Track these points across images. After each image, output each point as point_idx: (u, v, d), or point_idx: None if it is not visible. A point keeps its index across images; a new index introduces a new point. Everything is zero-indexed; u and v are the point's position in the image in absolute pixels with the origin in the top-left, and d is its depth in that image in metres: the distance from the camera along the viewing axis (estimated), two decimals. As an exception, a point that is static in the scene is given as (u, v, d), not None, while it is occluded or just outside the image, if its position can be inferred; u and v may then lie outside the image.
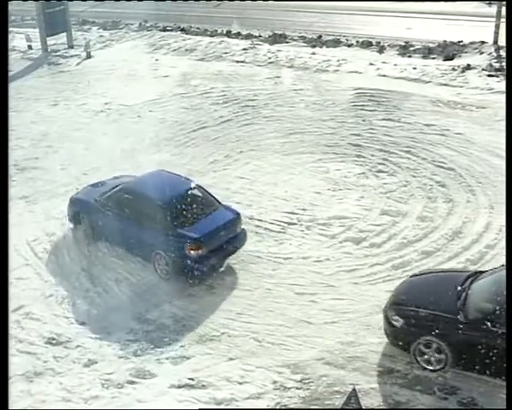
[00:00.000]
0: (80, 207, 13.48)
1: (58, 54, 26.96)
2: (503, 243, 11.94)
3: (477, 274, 10.28)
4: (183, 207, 12.15)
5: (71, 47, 27.61)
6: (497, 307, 9.13)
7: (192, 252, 11.62)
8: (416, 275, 11.02)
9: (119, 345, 10.50)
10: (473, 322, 9.29)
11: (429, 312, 9.62)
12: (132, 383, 9.70)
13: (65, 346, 10.52)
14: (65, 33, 27.74)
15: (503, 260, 10.65)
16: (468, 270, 10.97)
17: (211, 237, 11.87)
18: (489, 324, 9.11)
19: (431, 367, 9.62)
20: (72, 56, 26.53)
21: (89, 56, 26.34)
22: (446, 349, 9.40)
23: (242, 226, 12.61)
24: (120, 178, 14.12)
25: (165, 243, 11.88)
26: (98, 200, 13.08)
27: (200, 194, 12.72)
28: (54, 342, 10.62)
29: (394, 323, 9.81)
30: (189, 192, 12.62)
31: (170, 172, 13.40)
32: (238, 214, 12.53)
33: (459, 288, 9.86)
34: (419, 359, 9.68)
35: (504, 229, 12.12)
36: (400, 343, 9.86)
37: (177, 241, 11.77)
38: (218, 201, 12.75)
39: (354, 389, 8.80)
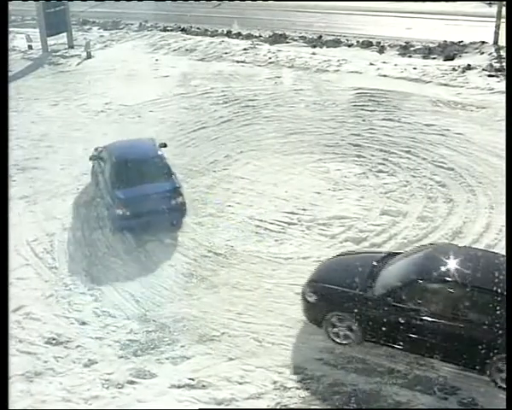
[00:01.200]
0: (92, 158, 15.19)
1: (58, 54, 26.93)
2: (503, 243, 11.94)
3: (392, 255, 10.68)
4: (133, 170, 13.46)
5: (71, 47, 27.59)
6: (400, 284, 9.56)
7: (118, 211, 13.02)
8: (339, 255, 11.41)
9: (119, 345, 10.50)
10: (378, 298, 9.66)
11: (341, 288, 10.00)
12: (132, 383, 9.71)
13: (65, 346, 10.53)
14: (65, 33, 27.71)
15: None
16: (387, 251, 11.33)
17: (138, 202, 12.94)
18: (391, 299, 9.51)
19: (341, 341, 10.01)
20: (72, 56, 26.50)
21: (89, 56, 26.33)
22: (354, 324, 9.81)
23: (182, 201, 13.33)
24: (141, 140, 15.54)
25: (110, 199, 13.43)
26: (98, 155, 14.88)
27: (157, 164, 13.65)
28: (54, 342, 10.63)
29: (308, 299, 10.23)
30: (146, 159, 13.86)
31: (153, 141, 14.83)
32: (175, 188, 13.31)
33: (372, 266, 10.26)
34: (330, 333, 10.06)
35: (504, 229, 12.13)
36: (313, 318, 10.29)
37: (113, 199, 13.25)
38: (171, 176, 13.58)
39: (354, 389, 8.82)
